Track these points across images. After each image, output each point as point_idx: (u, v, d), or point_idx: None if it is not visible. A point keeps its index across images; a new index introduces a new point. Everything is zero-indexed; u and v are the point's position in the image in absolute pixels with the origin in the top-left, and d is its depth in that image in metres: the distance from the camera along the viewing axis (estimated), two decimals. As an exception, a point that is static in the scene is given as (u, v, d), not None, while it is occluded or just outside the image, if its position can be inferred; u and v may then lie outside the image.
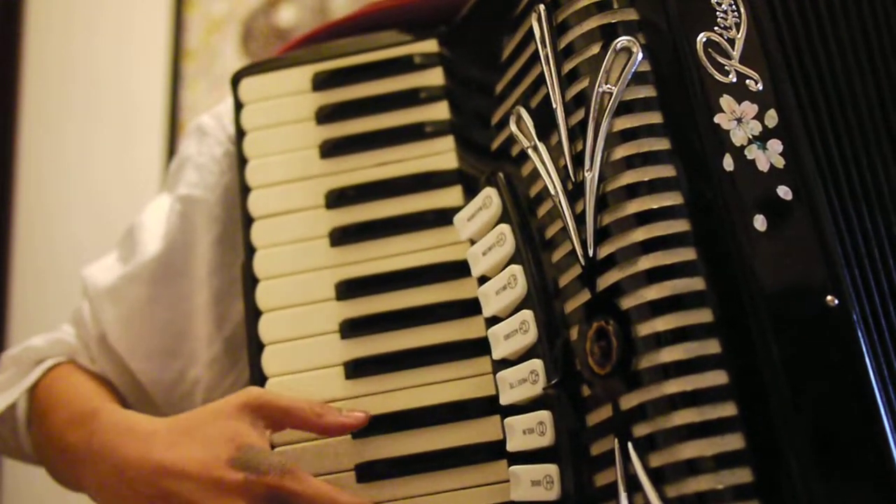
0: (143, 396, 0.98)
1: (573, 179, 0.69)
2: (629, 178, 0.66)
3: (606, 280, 0.66)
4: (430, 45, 0.88)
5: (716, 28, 0.69)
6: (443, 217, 0.83)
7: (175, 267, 0.98)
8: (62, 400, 0.93)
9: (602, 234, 0.67)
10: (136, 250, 1.00)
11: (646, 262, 0.65)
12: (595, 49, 0.69)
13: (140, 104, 2.13)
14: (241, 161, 0.88)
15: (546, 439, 0.70)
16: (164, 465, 0.76)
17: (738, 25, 0.70)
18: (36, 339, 1.01)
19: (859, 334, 0.64)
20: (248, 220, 0.86)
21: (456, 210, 0.81)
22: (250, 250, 0.85)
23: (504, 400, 0.74)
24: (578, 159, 0.69)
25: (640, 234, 0.65)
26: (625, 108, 0.67)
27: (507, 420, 0.74)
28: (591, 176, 0.67)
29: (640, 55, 0.68)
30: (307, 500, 0.74)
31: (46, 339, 1.00)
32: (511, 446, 0.73)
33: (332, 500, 0.74)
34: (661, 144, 0.67)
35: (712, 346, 0.63)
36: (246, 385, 0.87)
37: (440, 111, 0.86)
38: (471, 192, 0.82)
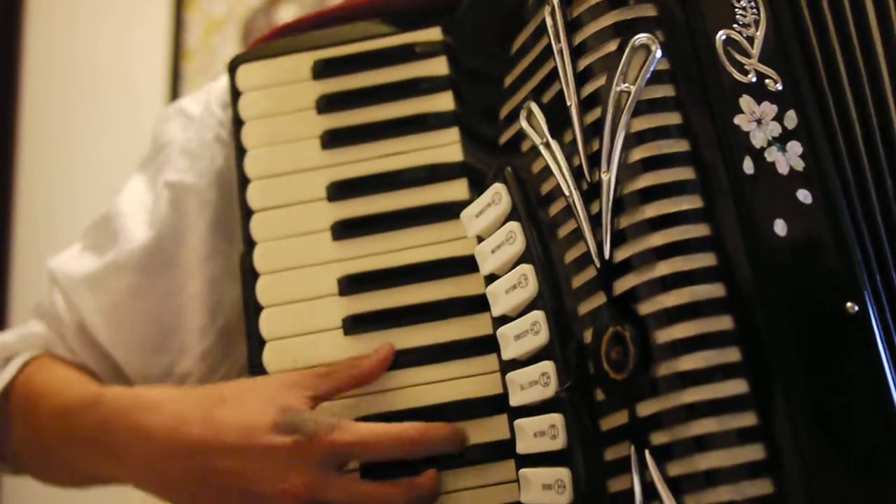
0: (127, 386, 0.93)
1: (588, 180, 0.68)
2: (647, 180, 0.65)
3: (623, 284, 0.65)
4: (434, 34, 0.86)
5: (735, 25, 0.68)
6: (448, 211, 0.81)
7: (165, 256, 0.94)
8: (49, 392, 0.89)
9: (618, 238, 0.65)
10: (117, 239, 0.95)
11: (664, 268, 0.63)
12: (611, 46, 0.68)
13: (140, 104, 2.12)
14: (240, 151, 0.85)
15: (558, 443, 0.69)
16: (204, 441, 0.71)
17: (757, 23, 0.68)
18: (3, 336, 0.96)
19: (879, 341, 0.63)
20: (247, 213, 0.84)
21: (461, 204, 0.80)
22: (250, 244, 0.83)
23: (514, 401, 0.73)
24: (594, 159, 0.67)
25: (658, 239, 0.64)
26: (642, 108, 0.66)
27: (518, 422, 0.73)
28: (607, 177, 0.66)
29: (659, 53, 0.66)
30: (364, 447, 0.70)
31: (15, 335, 0.95)
32: (521, 448, 0.72)
33: (387, 437, 0.71)
34: (680, 146, 0.65)
35: (732, 355, 0.62)
36: (238, 376, 0.85)
37: (444, 102, 0.84)
38: (476, 186, 0.81)
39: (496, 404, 0.76)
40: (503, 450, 0.75)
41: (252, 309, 0.82)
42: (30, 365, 0.92)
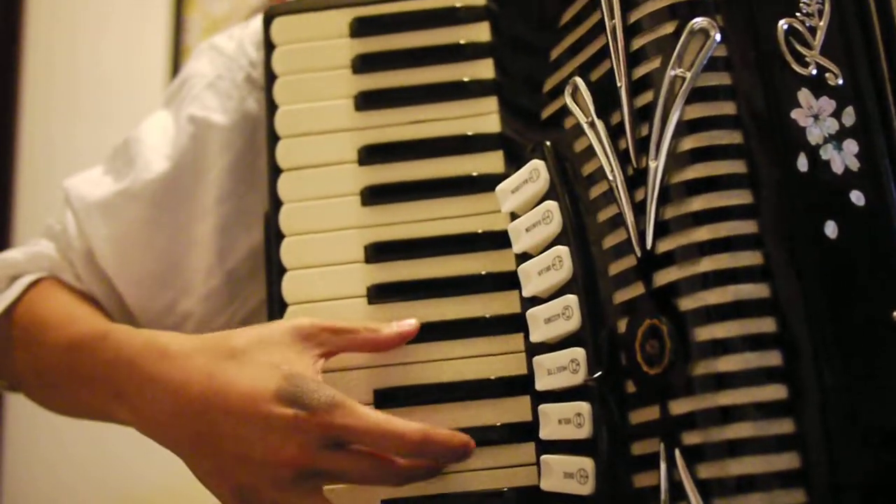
0: (130, 321, 0.92)
1: (634, 165, 0.65)
2: (696, 171, 0.63)
3: (664, 277, 0.63)
4: (478, -2, 0.83)
5: (798, 14, 0.65)
6: (482, 183, 0.79)
7: (181, 190, 0.93)
8: (54, 321, 0.87)
9: (662, 229, 0.63)
10: (134, 166, 0.93)
11: (708, 264, 0.61)
12: (669, 28, 0.65)
13: (140, 104, 2.09)
14: (271, 106, 0.83)
15: (583, 432, 0.67)
16: (206, 396, 0.70)
17: (820, 12, 0.65)
18: (12, 252, 0.94)
19: (923, 353, 0.61)
20: (275, 171, 0.81)
21: (496, 177, 0.78)
22: (276, 203, 0.81)
23: (540, 386, 0.71)
24: (641, 145, 0.65)
25: (704, 234, 0.62)
26: (696, 95, 0.63)
27: (542, 407, 0.71)
28: (655, 165, 0.63)
29: (718, 38, 0.64)
30: (363, 434, 0.69)
31: (24, 253, 0.94)
32: (544, 434, 0.71)
33: (388, 430, 0.69)
34: (733, 138, 0.63)
35: (773, 359, 0.60)
36: (241, 325, 0.83)
37: (485, 69, 0.82)
38: (513, 159, 0.78)
39: (520, 385, 0.74)
40: (523, 432, 0.74)
41: (275, 270, 0.80)
42: (35, 287, 0.91)
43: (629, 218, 0.65)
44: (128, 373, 0.76)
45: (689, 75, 0.63)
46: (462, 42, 0.82)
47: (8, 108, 2.26)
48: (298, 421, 0.68)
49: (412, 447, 0.70)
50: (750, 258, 0.61)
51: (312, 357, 0.73)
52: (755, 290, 0.61)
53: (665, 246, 0.63)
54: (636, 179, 0.65)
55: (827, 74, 0.64)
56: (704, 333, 0.61)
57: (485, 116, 0.81)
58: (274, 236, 0.81)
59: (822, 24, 0.65)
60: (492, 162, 0.80)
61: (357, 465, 0.71)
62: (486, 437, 0.74)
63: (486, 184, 0.78)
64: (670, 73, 0.64)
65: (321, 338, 0.74)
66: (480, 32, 0.82)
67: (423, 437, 0.70)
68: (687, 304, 0.61)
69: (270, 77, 0.83)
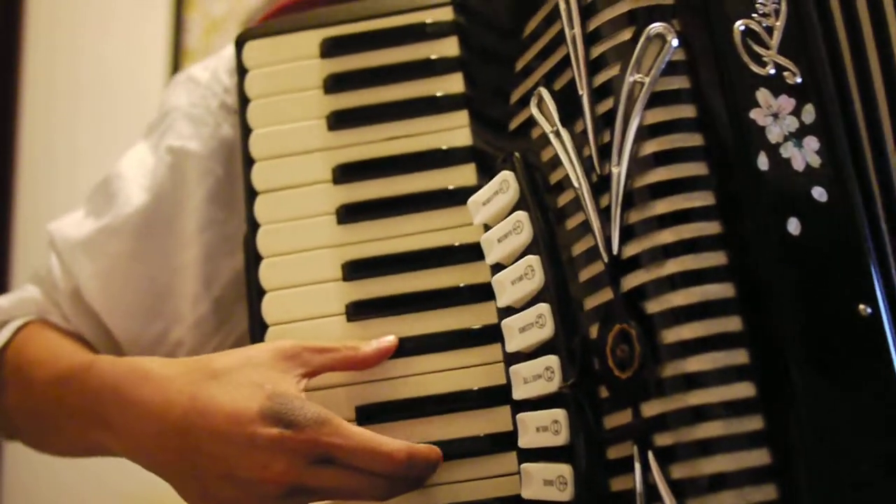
0: (119, 356, 0.93)
1: (598, 172, 0.66)
2: (659, 175, 0.63)
3: (631, 281, 0.63)
4: (445, 13, 0.84)
5: (754, 15, 0.65)
6: (455, 196, 0.79)
7: (161, 221, 0.94)
8: (42, 359, 0.88)
9: (628, 233, 0.64)
10: (114, 202, 0.94)
11: (673, 266, 0.62)
12: (626, 35, 0.65)
13: (141, 104, 2.10)
14: (245, 130, 0.84)
15: (560, 438, 0.68)
16: (189, 417, 0.70)
17: (777, 12, 0.66)
18: None
19: (891, 344, 0.61)
20: (251, 194, 0.82)
21: (469, 189, 0.78)
22: (254, 225, 0.82)
23: (517, 395, 0.72)
24: (604, 151, 0.66)
25: (669, 236, 0.62)
26: (656, 99, 0.64)
27: (520, 416, 0.71)
28: (618, 171, 0.64)
29: (675, 43, 0.64)
30: (349, 453, 0.69)
31: (10, 300, 0.95)
32: (523, 443, 0.71)
33: (374, 450, 0.70)
34: (694, 140, 0.63)
35: (740, 357, 0.60)
36: (232, 347, 0.83)
37: (454, 83, 0.82)
38: (485, 171, 0.79)
39: (500, 395, 0.75)
40: (505, 442, 0.74)
41: (255, 292, 0.81)
42: (23, 330, 0.92)
43: (595, 224, 0.65)
44: (112, 399, 0.76)
45: (647, 80, 0.64)
46: (432, 58, 0.83)
47: (8, 108, 2.26)
48: (284, 439, 0.69)
49: (399, 466, 0.71)
50: (714, 258, 0.62)
51: (295, 377, 0.74)
52: (721, 290, 0.61)
53: (631, 250, 0.64)
54: (601, 186, 0.66)
55: (785, 73, 0.65)
56: (672, 335, 0.61)
57: (456, 130, 0.81)
58: (252, 258, 0.81)
59: (778, 23, 0.66)
60: (464, 175, 0.80)
61: (343, 481, 0.71)
62: (469, 448, 0.75)
63: (459, 197, 0.79)
64: (629, 78, 0.64)
65: (303, 357, 0.74)
66: (449, 47, 0.83)
67: (410, 456, 0.71)
68: (654, 306, 0.62)
69: (244, 101, 0.84)
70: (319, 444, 0.69)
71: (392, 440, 0.71)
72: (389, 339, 0.76)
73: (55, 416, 0.85)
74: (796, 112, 0.64)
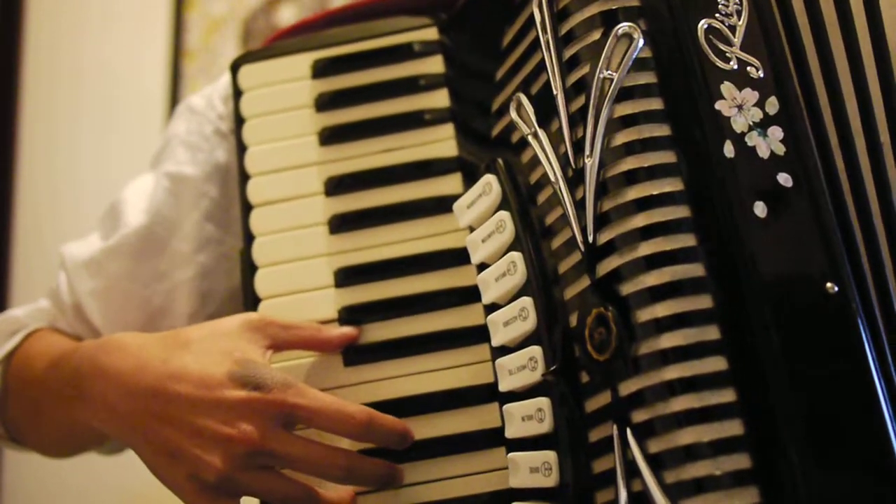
0: None
1: (573, 166, 0.69)
2: (629, 164, 0.66)
3: (606, 266, 0.66)
4: (430, 33, 0.88)
5: (717, 15, 0.69)
6: (442, 204, 0.82)
7: (157, 241, 0.98)
8: (41, 354, 0.92)
9: (602, 221, 0.67)
10: (117, 225, 0.99)
11: (646, 248, 0.64)
12: (596, 35, 0.69)
13: (140, 104, 2.14)
14: (241, 148, 0.88)
15: (545, 426, 0.70)
16: (160, 382, 0.74)
17: (739, 13, 0.69)
18: (14, 311, 1.01)
19: (859, 321, 0.63)
20: (247, 208, 0.86)
21: (455, 198, 0.81)
22: (249, 237, 0.85)
23: (503, 387, 0.74)
24: (579, 146, 0.69)
25: (640, 220, 0.65)
26: (625, 94, 0.67)
27: (506, 407, 0.73)
28: (591, 162, 0.67)
29: (641, 41, 0.68)
30: (314, 413, 0.72)
31: (24, 310, 1.00)
32: (510, 433, 0.73)
33: (338, 411, 0.73)
34: (662, 130, 0.67)
35: (712, 333, 0.62)
36: None
37: (440, 99, 0.86)
38: (470, 180, 0.82)
39: (489, 393, 0.77)
40: (495, 437, 0.76)
41: (251, 301, 0.83)
42: (32, 336, 0.97)
43: (572, 215, 0.68)
44: (89, 370, 0.79)
45: (616, 76, 0.67)
46: (418, 75, 0.87)
47: (9, 108, 2.27)
48: (251, 400, 0.72)
49: (360, 426, 0.74)
50: (684, 240, 0.64)
51: (262, 347, 0.77)
52: (691, 270, 0.64)
53: (606, 236, 0.66)
54: (576, 178, 0.69)
55: (748, 68, 0.68)
56: (646, 314, 0.63)
57: (442, 142, 0.85)
58: (248, 269, 0.84)
59: (740, 22, 0.69)
60: (451, 184, 0.83)
61: (307, 450, 0.73)
62: (461, 445, 0.77)
63: (446, 205, 0.82)
64: (599, 75, 0.68)
65: (269, 330, 0.78)
66: (434, 65, 0.87)
67: (370, 418, 0.74)
68: (628, 288, 0.64)
69: (239, 121, 0.88)
70: (286, 404, 0.72)
71: (355, 404, 0.75)
72: (351, 329, 0.80)
73: (45, 403, 0.90)
74: (760, 104, 0.67)
